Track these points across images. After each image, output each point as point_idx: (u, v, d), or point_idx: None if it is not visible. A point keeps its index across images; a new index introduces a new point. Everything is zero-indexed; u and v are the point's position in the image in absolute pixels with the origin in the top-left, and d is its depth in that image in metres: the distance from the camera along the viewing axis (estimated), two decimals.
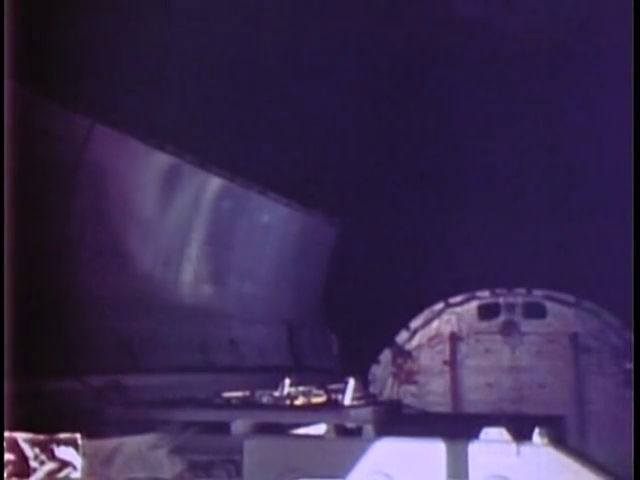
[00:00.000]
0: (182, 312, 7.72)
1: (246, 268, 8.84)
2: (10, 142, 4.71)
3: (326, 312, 10.21)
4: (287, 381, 6.87)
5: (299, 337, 9.54)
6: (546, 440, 4.99)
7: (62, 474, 4.74)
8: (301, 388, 6.91)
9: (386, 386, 10.11)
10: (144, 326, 6.99)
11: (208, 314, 8.15)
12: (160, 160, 7.06)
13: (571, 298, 9.91)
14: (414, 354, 10.22)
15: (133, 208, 6.97)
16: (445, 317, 10.22)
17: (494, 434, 5.07)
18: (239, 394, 6.62)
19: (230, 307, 8.51)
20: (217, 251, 8.30)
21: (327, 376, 7.96)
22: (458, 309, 10.21)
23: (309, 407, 6.23)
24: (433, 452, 5.03)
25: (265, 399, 6.54)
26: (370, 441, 5.28)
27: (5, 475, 4.50)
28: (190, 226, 7.80)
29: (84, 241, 6.35)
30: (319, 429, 5.74)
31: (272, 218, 9.06)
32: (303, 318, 9.87)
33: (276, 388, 6.79)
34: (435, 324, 10.24)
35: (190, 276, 7.86)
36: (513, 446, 4.97)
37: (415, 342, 10.23)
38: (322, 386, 7.00)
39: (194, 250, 7.87)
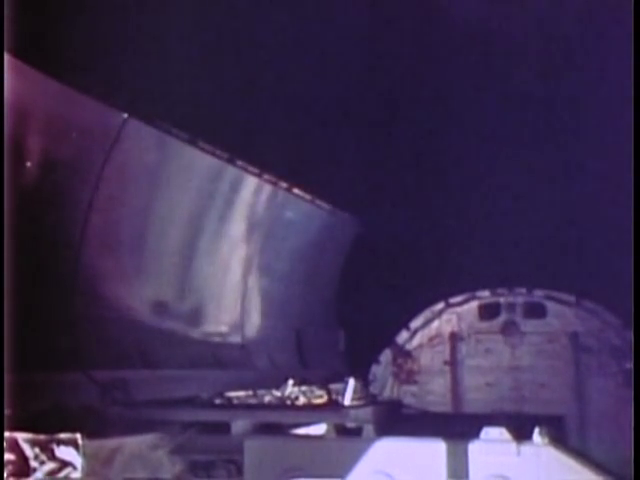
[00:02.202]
0: (195, 308, 7.70)
1: (266, 263, 8.77)
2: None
3: (338, 308, 10.18)
4: (290, 381, 6.88)
5: (307, 334, 9.48)
6: (546, 440, 5.00)
7: (62, 474, 4.74)
8: (303, 388, 6.91)
9: (386, 386, 10.10)
10: (155, 322, 6.96)
11: (221, 310, 8.13)
12: (188, 154, 6.98)
13: (571, 298, 9.91)
14: (414, 354, 10.22)
15: (153, 202, 6.87)
16: (445, 317, 10.23)
17: (494, 434, 5.09)
18: (241, 393, 6.62)
19: (244, 302, 8.48)
20: (237, 245, 8.26)
21: (332, 375, 7.92)
22: (458, 309, 10.21)
23: (309, 407, 6.24)
24: (433, 452, 5.04)
25: (267, 399, 6.54)
26: (370, 441, 5.29)
27: (5, 475, 4.50)
28: (211, 220, 7.73)
29: (98, 233, 6.30)
30: (319, 429, 5.75)
31: (295, 214, 8.99)
32: (315, 313, 9.83)
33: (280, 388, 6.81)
34: (435, 324, 10.24)
35: (208, 272, 7.82)
36: (513, 446, 4.98)
37: (415, 342, 10.23)
38: (324, 386, 7.00)
39: (213, 245, 7.83)
